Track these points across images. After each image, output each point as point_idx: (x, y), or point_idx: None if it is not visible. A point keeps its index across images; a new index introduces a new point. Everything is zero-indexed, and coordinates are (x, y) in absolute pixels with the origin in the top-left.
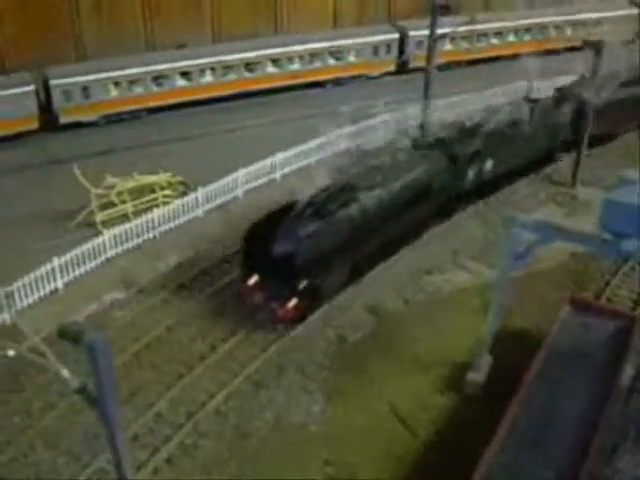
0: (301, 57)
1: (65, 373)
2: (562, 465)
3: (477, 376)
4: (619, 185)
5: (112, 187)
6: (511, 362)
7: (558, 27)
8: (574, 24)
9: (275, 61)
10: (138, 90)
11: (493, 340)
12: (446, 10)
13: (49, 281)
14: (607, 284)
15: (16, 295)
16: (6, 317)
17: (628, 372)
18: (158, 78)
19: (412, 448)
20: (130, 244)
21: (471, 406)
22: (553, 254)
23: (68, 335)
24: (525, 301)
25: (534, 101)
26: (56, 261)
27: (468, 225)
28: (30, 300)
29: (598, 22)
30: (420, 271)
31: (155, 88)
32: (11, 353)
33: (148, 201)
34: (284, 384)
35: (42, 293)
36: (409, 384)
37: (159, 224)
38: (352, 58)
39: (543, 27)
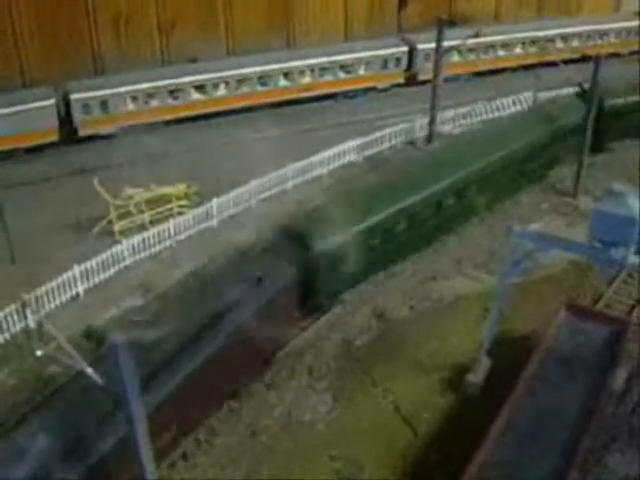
0: (312, 70)
1: (90, 372)
2: (553, 463)
3: (475, 377)
4: (608, 197)
5: (130, 198)
6: (509, 365)
7: (564, 39)
8: (580, 36)
9: (287, 74)
10: (154, 103)
11: (493, 344)
12: (452, 24)
13: (70, 288)
14: (604, 291)
15: (39, 301)
16: (30, 321)
17: (621, 375)
18: (174, 91)
19: (414, 446)
20: (147, 252)
21: (471, 406)
22: (553, 262)
23: (93, 337)
24: (525, 307)
25: None
26: (77, 269)
27: (473, 234)
28: (52, 306)
29: (604, 34)
30: (425, 278)
31: (171, 101)
32: (39, 353)
33: (164, 211)
34: (294, 385)
35: (63, 299)
36: (412, 386)
37: (175, 233)
38: (362, 71)
39: (549, 39)
